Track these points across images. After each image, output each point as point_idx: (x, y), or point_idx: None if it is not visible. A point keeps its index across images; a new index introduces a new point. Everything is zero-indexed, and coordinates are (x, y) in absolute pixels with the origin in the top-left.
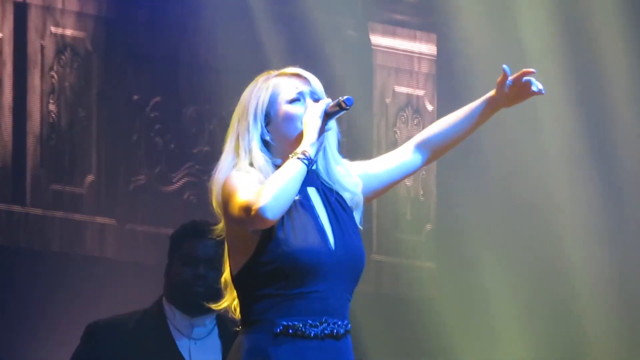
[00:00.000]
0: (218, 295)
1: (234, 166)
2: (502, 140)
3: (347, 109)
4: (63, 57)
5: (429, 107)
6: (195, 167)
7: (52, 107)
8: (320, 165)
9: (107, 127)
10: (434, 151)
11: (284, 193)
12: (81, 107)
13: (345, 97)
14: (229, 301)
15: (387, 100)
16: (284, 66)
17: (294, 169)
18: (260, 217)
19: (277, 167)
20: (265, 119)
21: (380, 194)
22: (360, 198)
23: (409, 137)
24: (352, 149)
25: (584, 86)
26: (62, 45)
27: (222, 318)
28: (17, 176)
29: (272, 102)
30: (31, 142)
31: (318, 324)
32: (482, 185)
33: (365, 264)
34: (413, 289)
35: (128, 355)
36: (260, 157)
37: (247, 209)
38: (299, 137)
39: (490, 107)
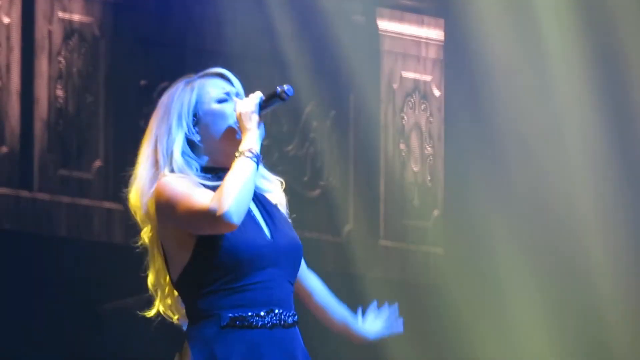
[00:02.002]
0: None
1: (155, 172)
2: (516, 130)
3: (285, 100)
4: (70, 42)
5: (436, 93)
6: None
7: (59, 92)
8: None
9: (114, 113)
10: (306, 302)
11: (244, 194)
12: (89, 93)
13: (286, 86)
14: (161, 307)
15: (395, 86)
16: (293, 51)
17: (247, 169)
18: (225, 223)
19: (202, 167)
20: (192, 120)
21: None
22: (281, 197)
23: (416, 123)
24: (360, 135)
25: (605, 80)
26: (70, 30)
27: None
28: (24, 161)
29: (199, 102)
30: (39, 127)
31: (264, 314)
32: (490, 171)
33: (302, 253)
34: (420, 275)
35: (135, 340)
36: (180, 160)
37: (208, 215)
38: (229, 133)
39: (348, 333)
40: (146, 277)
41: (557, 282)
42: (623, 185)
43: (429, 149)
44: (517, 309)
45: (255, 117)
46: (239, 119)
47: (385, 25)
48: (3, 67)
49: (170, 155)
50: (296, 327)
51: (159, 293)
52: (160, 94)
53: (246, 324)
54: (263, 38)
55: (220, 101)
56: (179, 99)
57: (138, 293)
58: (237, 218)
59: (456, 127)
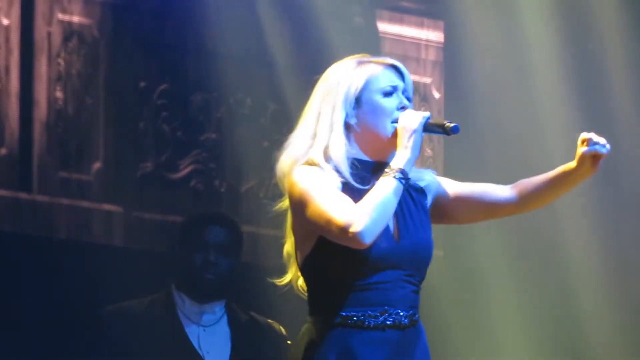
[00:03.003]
0: (229, 283)
1: (309, 148)
2: (516, 132)
3: (447, 135)
4: (70, 44)
5: (436, 95)
6: (202, 155)
7: (59, 94)
8: None
9: (114, 115)
10: (524, 200)
11: (383, 216)
12: (88, 95)
13: (452, 124)
14: (291, 275)
15: None
16: (293, 53)
17: (392, 190)
18: (358, 241)
19: (351, 161)
20: (354, 103)
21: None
22: (432, 178)
23: None
24: None
25: (588, 83)
26: (69, 32)
27: (232, 305)
28: (23, 163)
29: (366, 88)
30: (38, 129)
31: (378, 314)
32: (490, 173)
33: (431, 254)
34: None
35: (137, 342)
36: (340, 142)
37: (343, 229)
38: (392, 139)
39: (571, 178)
40: (145, 278)
41: (554, 294)
42: (605, 189)
43: (429, 151)
44: (517, 310)
45: (415, 137)
46: (398, 132)
47: (385, 27)
48: (2, 69)
49: (331, 132)
50: (415, 326)
51: (292, 263)
52: (160, 96)
53: (358, 323)
54: (262, 40)
55: (386, 94)
56: (347, 79)
57: (138, 295)
58: (369, 239)
59: None
